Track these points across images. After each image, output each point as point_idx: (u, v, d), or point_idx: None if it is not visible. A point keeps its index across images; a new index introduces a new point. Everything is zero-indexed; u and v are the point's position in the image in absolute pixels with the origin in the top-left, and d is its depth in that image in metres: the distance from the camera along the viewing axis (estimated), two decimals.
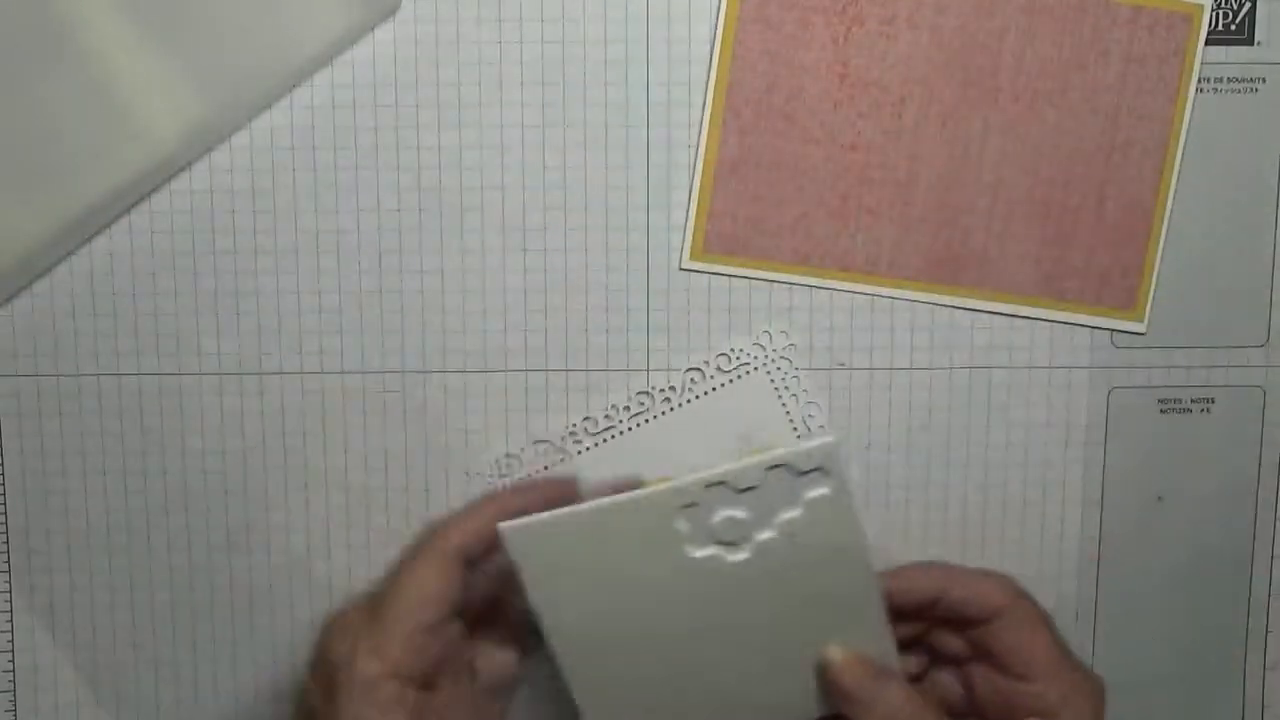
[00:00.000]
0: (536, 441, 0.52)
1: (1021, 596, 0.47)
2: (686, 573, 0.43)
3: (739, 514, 0.43)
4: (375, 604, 0.45)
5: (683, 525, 0.43)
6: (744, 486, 0.42)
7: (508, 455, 0.52)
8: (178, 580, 0.53)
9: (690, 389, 0.52)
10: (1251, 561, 0.53)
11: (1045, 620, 0.48)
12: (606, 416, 0.52)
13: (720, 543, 0.43)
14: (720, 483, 0.42)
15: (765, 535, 0.43)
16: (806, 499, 0.43)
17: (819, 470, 0.43)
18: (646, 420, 0.52)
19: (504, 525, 0.42)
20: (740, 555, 0.43)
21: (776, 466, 0.42)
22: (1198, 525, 0.53)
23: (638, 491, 0.42)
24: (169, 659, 0.53)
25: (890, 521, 0.53)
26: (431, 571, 0.44)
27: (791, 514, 0.43)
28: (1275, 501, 0.53)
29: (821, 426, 0.52)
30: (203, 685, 0.53)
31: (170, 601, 0.53)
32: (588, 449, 0.52)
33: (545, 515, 0.42)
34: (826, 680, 0.45)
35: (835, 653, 0.45)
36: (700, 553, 0.43)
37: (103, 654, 0.53)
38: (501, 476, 0.52)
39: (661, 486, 0.42)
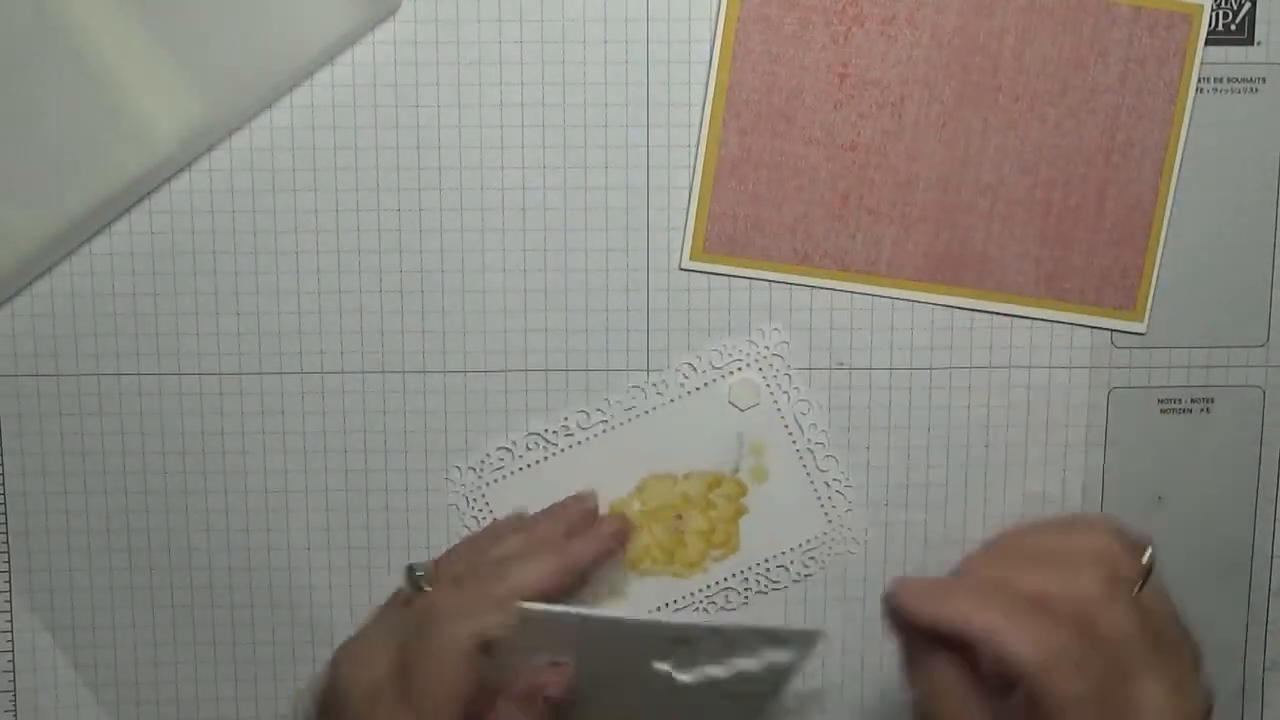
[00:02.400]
0: (529, 434, 0.52)
1: (1060, 663, 0.41)
2: (651, 681, 0.48)
3: (714, 653, 0.47)
4: (402, 677, 0.46)
5: (667, 649, 0.47)
6: (733, 640, 0.47)
7: (500, 448, 0.52)
8: (177, 580, 0.53)
9: (683, 384, 0.52)
10: (1251, 561, 0.53)
11: (1077, 693, 0.42)
12: (599, 410, 0.52)
13: (678, 664, 0.48)
14: (719, 631, 0.47)
15: (717, 672, 0.47)
16: (768, 659, 0.48)
17: (792, 645, 0.48)
18: (639, 415, 0.52)
19: (523, 605, 0.45)
20: (687, 677, 0.48)
21: (765, 633, 0.47)
22: (1198, 525, 0.53)
23: (653, 617, 0.48)
24: (169, 659, 0.53)
25: (890, 522, 0.53)
26: (459, 666, 0.45)
27: (747, 664, 0.48)
28: (1275, 501, 0.53)
29: (814, 424, 0.52)
30: (203, 684, 0.53)
31: (170, 601, 0.53)
32: (579, 443, 0.52)
33: (560, 608, 0.46)
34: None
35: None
36: (660, 666, 0.47)
37: (103, 654, 0.53)
38: (495, 469, 0.52)
39: (675, 619, 0.47)
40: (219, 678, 0.53)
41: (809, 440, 0.52)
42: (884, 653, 0.53)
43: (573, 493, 0.52)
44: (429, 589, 0.47)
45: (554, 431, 0.52)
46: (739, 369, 0.52)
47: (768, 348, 0.52)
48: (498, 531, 0.51)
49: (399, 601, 0.49)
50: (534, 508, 0.52)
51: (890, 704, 0.53)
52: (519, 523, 0.51)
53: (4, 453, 0.52)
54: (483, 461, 0.52)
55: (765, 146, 0.50)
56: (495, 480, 0.52)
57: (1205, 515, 0.53)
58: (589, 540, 0.50)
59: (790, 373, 0.52)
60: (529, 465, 0.52)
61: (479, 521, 0.52)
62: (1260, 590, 0.54)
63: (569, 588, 0.48)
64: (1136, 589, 0.43)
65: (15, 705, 0.53)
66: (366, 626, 0.49)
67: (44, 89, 0.46)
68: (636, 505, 0.52)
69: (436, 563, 0.49)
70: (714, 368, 0.52)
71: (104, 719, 0.53)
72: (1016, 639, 0.42)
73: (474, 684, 0.45)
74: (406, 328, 0.51)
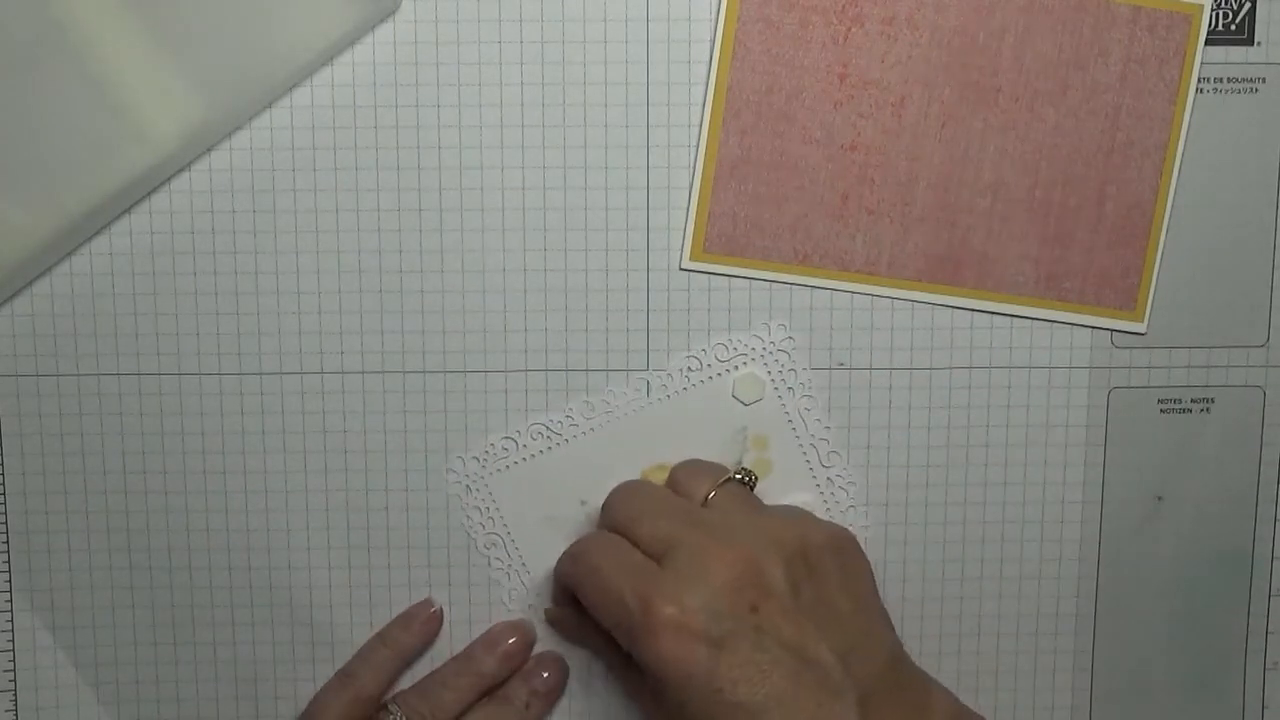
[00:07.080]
0: (533, 424, 0.52)
1: None
2: None
3: None
4: None
5: None
6: None
7: (505, 438, 0.52)
8: (177, 580, 0.53)
9: (687, 377, 0.52)
10: (1251, 561, 0.53)
11: None
12: (605, 401, 0.52)
13: None
14: None
15: None
16: None
17: None
18: (642, 407, 0.52)
19: None
20: None
21: None
22: (1198, 525, 0.53)
23: None
24: (169, 659, 0.53)
25: (890, 522, 0.53)
26: None
27: None
28: (1275, 501, 0.53)
29: (818, 420, 0.52)
30: (203, 684, 0.53)
31: (170, 601, 0.53)
32: (583, 434, 0.52)
33: None
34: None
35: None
36: None
37: (103, 654, 0.53)
38: (498, 459, 0.52)
39: None
40: (219, 678, 0.53)
41: (812, 435, 0.52)
42: None
43: (504, 624, 0.53)
44: None
45: (558, 422, 0.52)
46: (744, 364, 0.52)
47: (773, 343, 0.52)
48: (443, 677, 0.52)
49: None
50: (536, 500, 0.52)
51: None
52: (462, 666, 0.52)
53: (4, 453, 0.52)
54: (487, 451, 0.52)
55: (765, 146, 0.50)
56: (499, 470, 0.52)
57: (1205, 515, 0.53)
58: (545, 702, 0.52)
59: (795, 369, 0.52)
60: (532, 456, 0.52)
61: (481, 511, 0.52)
62: (1260, 590, 0.54)
63: None
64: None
65: (15, 705, 0.53)
66: None
67: (44, 89, 0.46)
68: None
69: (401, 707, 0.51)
70: (719, 361, 0.52)
71: (104, 719, 0.53)
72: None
73: None
74: (406, 328, 0.51)
